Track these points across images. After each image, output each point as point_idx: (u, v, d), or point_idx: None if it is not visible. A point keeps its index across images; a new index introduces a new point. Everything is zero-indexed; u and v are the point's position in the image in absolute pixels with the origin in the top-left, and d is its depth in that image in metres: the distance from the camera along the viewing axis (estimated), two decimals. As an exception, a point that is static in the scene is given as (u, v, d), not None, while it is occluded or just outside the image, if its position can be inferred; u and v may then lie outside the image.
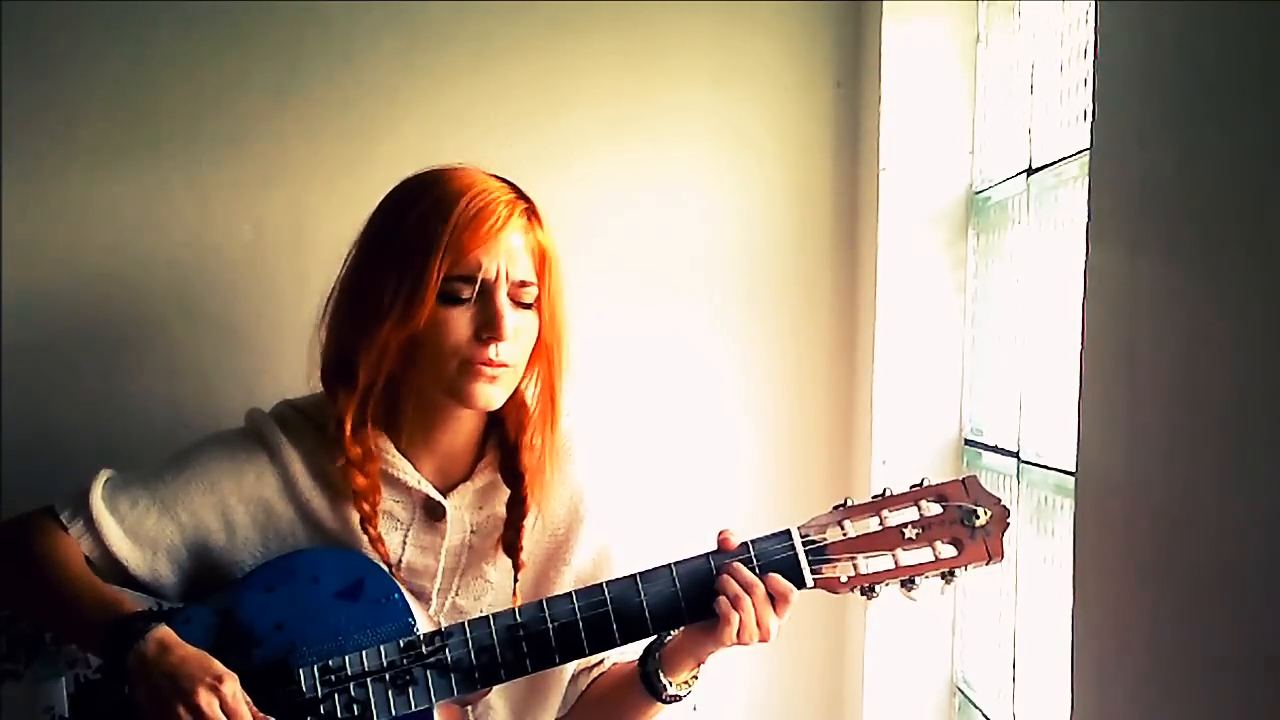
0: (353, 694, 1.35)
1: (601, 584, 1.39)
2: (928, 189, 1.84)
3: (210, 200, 1.91)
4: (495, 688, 1.43)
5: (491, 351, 1.38)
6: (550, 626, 1.37)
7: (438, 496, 1.47)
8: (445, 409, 1.45)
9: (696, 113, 1.95)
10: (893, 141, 1.83)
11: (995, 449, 1.74)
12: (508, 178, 1.45)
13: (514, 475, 1.47)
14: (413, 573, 1.47)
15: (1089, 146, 1.22)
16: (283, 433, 1.48)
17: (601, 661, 1.55)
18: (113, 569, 1.43)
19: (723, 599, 1.36)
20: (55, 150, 1.88)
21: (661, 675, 1.44)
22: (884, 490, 1.42)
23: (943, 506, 1.39)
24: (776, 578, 1.37)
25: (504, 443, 1.49)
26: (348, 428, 1.42)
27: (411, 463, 1.47)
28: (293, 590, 1.38)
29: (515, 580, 1.47)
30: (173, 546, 1.44)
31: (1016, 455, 1.65)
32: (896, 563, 1.38)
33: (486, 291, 1.39)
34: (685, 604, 1.38)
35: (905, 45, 1.83)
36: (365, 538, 1.43)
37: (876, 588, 1.38)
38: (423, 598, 1.46)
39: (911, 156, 1.83)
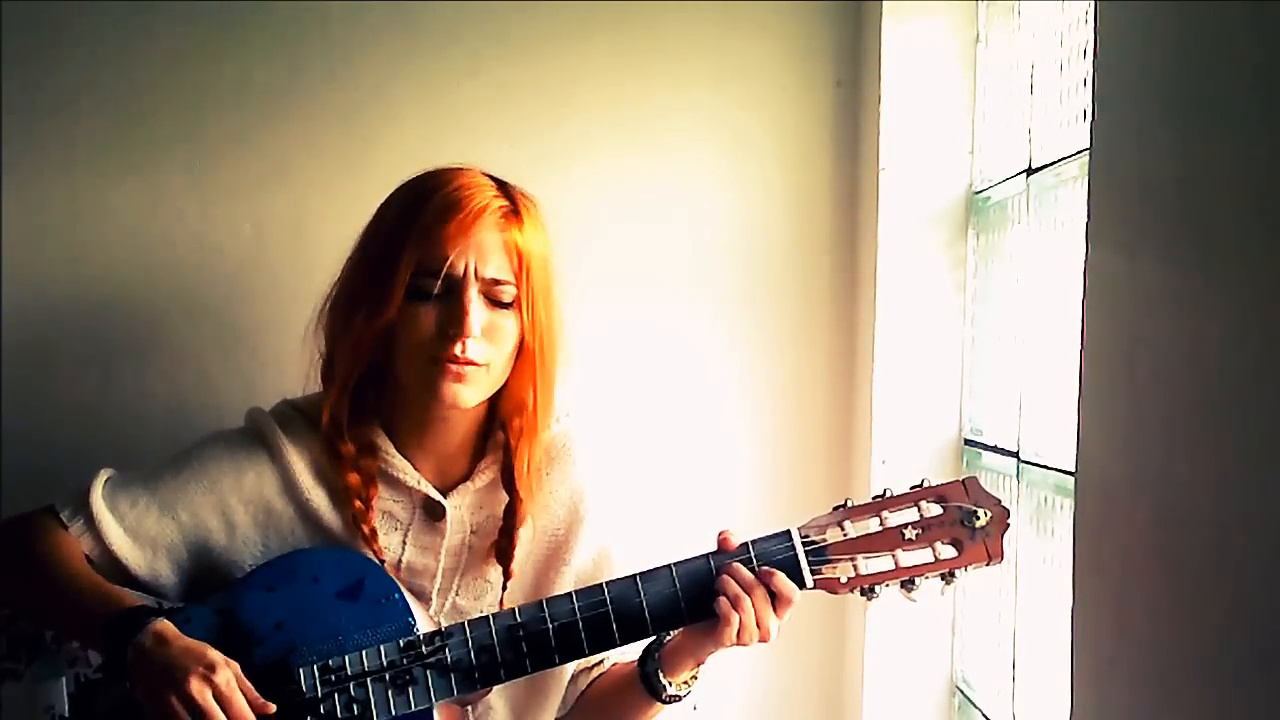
0: (353, 694, 1.35)
1: (601, 584, 1.39)
2: (927, 189, 1.84)
3: (210, 200, 1.91)
4: (495, 688, 1.43)
5: (458, 348, 1.37)
6: (550, 627, 1.37)
7: (437, 496, 1.47)
8: (435, 408, 1.44)
9: (696, 113, 1.95)
10: (892, 141, 1.83)
11: (995, 449, 1.74)
12: (505, 179, 1.45)
13: (510, 480, 1.47)
14: (412, 573, 1.47)
15: (1088, 146, 1.22)
16: (283, 432, 1.48)
17: (601, 662, 1.55)
18: (113, 568, 1.43)
19: (723, 599, 1.36)
20: (55, 150, 1.89)
21: (661, 675, 1.44)
22: (884, 491, 1.42)
23: (943, 507, 1.39)
24: (777, 578, 1.37)
25: (505, 446, 1.48)
26: (325, 421, 1.43)
27: (411, 462, 1.47)
28: (293, 590, 1.38)
29: (504, 589, 1.47)
30: (173, 546, 1.44)
31: (1016, 455, 1.65)
32: (896, 563, 1.38)
33: (454, 287, 1.38)
34: (685, 604, 1.38)
35: (905, 45, 1.83)
36: (359, 534, 1.43)
37: (876, 588, 1.38)
38: (422, 598, 1.47)
39: (911, 156, 1.83)
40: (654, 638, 1.45)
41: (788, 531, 1.40)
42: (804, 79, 1.95)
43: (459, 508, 1.48)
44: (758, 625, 1.36)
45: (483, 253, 1.38)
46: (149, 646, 1.30)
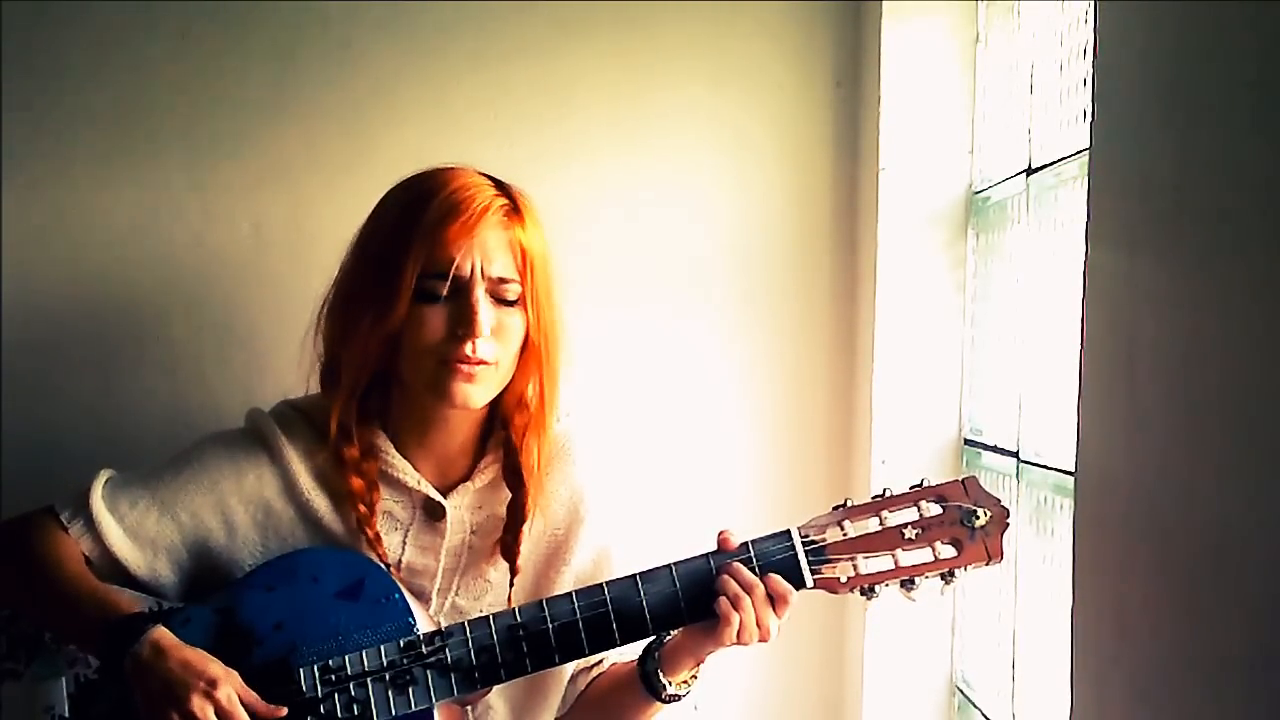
0: (353, 694, 1.35)
1: (601, 584, 1.39)
2: (927, 189, 1.84)
3: (210, 200, 1.91)
4: (495, 688, 1.43)
5: (468, 348, 1.37)
6: (550, 626, 1.37)
7: (437, 497, 1.47)
8: (438, 408, 1.45)
9: (696, 113, 1.95)
10: (892, 141, 1.83)
11: (995, 449, 1.74)
12: (501, 178, 1.45)
13: (514, 477, 1.47)
14: (412, 573, 1.47)
15: (1088, 146, 1.22)
16: (283, 433, 1.48)
17: (601, 661, 1.55)
18: (113, 569, 1.43)
19: (723, 600, 1.36)
20: (55, 151, 1.89)
21: (661, 675, 1.44)
22: (884, 491, 1.42)
23: (942, 507, 1.39)
24: (776, 578, 1.37)
25: (506, 444, 1.49)
26: (333, 428, 1.42)
27: (411, 463, 1.47)
28: (293, 590, 1.38)
29: (511, 585, 1.47)
30: (173, 546, 1.44)
31: (1016, 455, 1.65)
32: (896, 563, 1.38)
33: (462, 288, 1.38)
34: (685, 604, 1.38)
35: (905, 45, 1.83)
36: (363, 537, 1.43)
37: (876, 588, 1.38)
38: (422, 598, 1.47)
39: (911, 156, 1.84)
40: (654, 637, 1.45)
41: (787, 531, 1.40)
42: (804, 79, 1.96)
43: (459, 508, 1.48)
44: (758, 625, 1.36)
45: (487, 252, 1.39)
46: (147, 657, 1.30)
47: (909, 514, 1.40)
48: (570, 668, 1.53)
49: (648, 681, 1.45)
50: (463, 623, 1.38)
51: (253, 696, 1.31)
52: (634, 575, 1.39)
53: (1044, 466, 1.56)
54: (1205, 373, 0.98)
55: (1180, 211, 1.03)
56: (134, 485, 1.46)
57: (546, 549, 1.51)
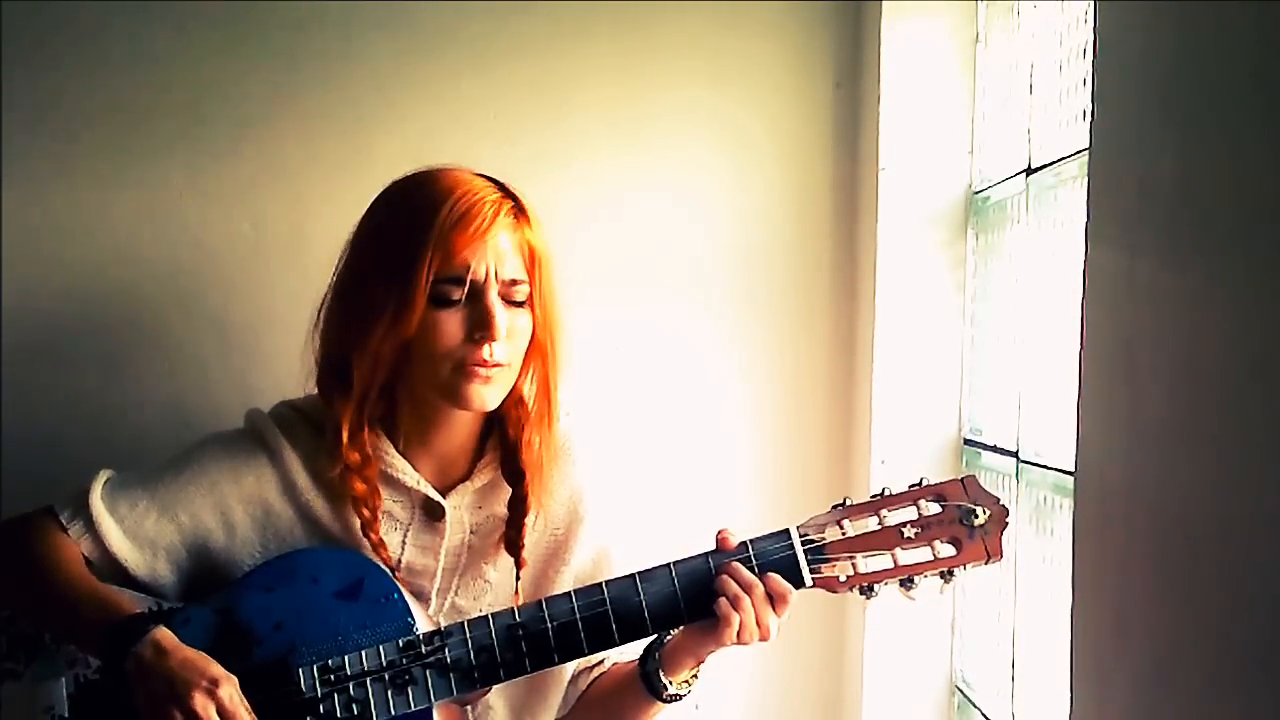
0: (352, 694, 1.35)
1: (601, 584, 1.39)
2: (927, 189, 1.84)
3: (210, 200, 1.91)
4: (495, 688, 1.43)
5: (485, 352, 1.38)
6: (549, 626, 1.37)
7: (437, 497, 1.47)
8: (442, 410, 1.45)
9: (696, 113, 1.95)
10: (892, 141, 1.83)
11: (994, 448, 1.74)
12: (498, 177, 1.45)
13: (515, 473, 1.47)
14: (412, 573, 1.47)
15: (1088, 146, 1.22)
16: (282, 433, 1.48)
17: (602, 661, 1.55)
18: (112, 569, 1.43)
19: (722, 600, 1.36)
20: (55, 150, 1.89)
21: (662, 675, 1.44)
22: (883, 490, 1.42)
23: (941, 506, 1.40)
24: (775, 578, 1.37)
25: (504, 441, 1.49)
26: (345, 434, 1.42)
27: (410, 463, 1.47)
28: (292, 590, 1.38)
29: (517, 579, 1.47)
30: (172, 547, 1.44)
31: (1015, 455, 1.65)
32: (895, 562, 1.38)
33: (477, 292, 1.38)
34: (684, 604, 1.38)
35: (905, 45, 1.83)
36: (366, 542, 1.43)
37: (875, 587, 1.38)
38: (422, 598, 1.47)
39: (911, 156, 1.84)
40: (654, 637, 1.45)
41: (787, 530, 1.40)
42: (804, 79, 1.96)
43: (458, 508, 1.48)
44: (758, 624, 1.36)
45: (500, 255, 1.39)
46: (148, 658, 1.30)
47: (908, 513, 1.40)
48: (570, 668, 1.53)
49: (648, 681, 1.45)
50: (462, 623, 1.38)
51: (247, 706, 1.31)
52: (633, 575, 1.39)
53: (1044, 466, 1.56)
54: (1205, 373, 0.98)
55: (1180, 211, 1.03)
56: (133, 486, 1.46)
57: (546, 549, 1.51)
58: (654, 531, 1.63)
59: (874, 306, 1.85)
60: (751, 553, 1.39)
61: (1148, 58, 1.10)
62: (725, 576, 1.37)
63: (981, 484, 1.41)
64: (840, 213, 1.96)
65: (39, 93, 1.87)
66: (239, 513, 1.45)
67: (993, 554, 1.38)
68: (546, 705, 1.54)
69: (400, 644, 1.36)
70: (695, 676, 1.46)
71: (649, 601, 1.37)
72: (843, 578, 1.38)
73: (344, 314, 1.43)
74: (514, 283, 1.40)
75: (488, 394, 1.40)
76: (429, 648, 1.36)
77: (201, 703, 1.28)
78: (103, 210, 1.89)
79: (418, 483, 1.47)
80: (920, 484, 1.41)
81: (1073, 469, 1.26)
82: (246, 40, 1.90)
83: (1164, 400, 1.05)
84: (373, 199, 1.46)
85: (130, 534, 1.43)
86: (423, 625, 1.39)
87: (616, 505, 1.55)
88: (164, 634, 1.32)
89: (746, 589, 1.36)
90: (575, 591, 1.39)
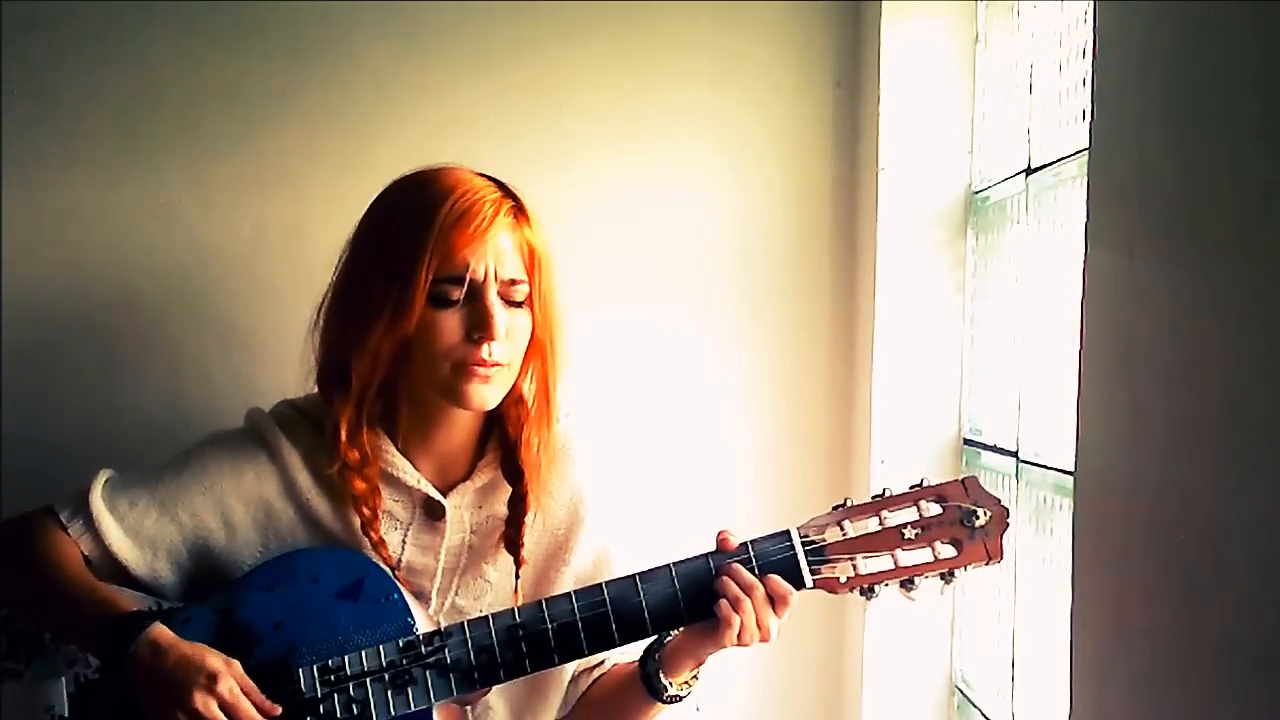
0: (352, 694, 1.35)
1: (601, 584, 1.39)
2: (927, 189, 1.84)
3: (210, 200, 1.91)
4: (495, 688, 1.43)
5: (484, 351, 1.38)
6: (549, 627, 1.37)
7: (437, 496, 1.47)
8: (442, 410, 1.45)
9: (696, 113, 1.95)
10: (892, 141, 1.83)
11: (994, 449, 1.74)
12: (497, 177, 1.45)
13: (514, 472, 1.47)
14: (412, 572, 1.47)
15: (1088, 146, 1.22)
16: (282, 433, 1.48)
17: (602, 663, 1.55)
18: (112, 569, 1.43)
19: (723, 602, 1.36)
20: (55, 150, 1.88)
21: (662, 676, 1.44)
22: (883, 490, 1.42)
23: (942, 507, 1.39)
24: (776, 579, 1.37)
25: (504, 440, 1.49)
26: (343, 433, 1.42)
27: (411, 462, 1.47)
28: (292, 590, 1.38)
29: (517, 578, 1.47)
30: (172, 546, 1.44)
31: (1015, 455, 1.65)
32: (896, 563, 1.38)
33: (476, 292, 1.38)
34: (684, 604, 1.38)
35: (904, 45, 1.83)
36: (367, 541, 1.43)
37: (876, 588, 1.38)
38: (422, 597, 1.47)
39: (910, 156, 1.84)
40: (654, 638, 1.45)
41: (787, 531, 1.40)
42: (804, 79, 1.96)
43: (459, 507, 1.48)
44: (758, 626, 1.36)
45: (499, 255, 1.39)
46: (146, 658, 1.30)
47: (908, 514, 1.40)
48: (571, 668, 1.53)
49: (649, 683, 1.45)
50: (462, 623, 1.38)
51: (251, 687, 1.31)
52: (633, 575, 1.39)
53: (1043, 466, 1.56)
54: (1204, 372, 0.98)
55: (1179, 211, 1.03)
56: (134, 485, 1.46)
57: (547, 549, 1.51)
58: (654, 531, 1.63)
59: (874, 306, 1.85)
60: (752, 554, 1.39)
61: (1147, 58, 1.10)
62: (725, 578, 1.37)
63: (982, 485, 1.41)
64: (840, 213, 1.96)
65: (39, 92, 1.87)
66: (239, 512, 1.45)
67: (993, 555, 1.38)
68: (546, 706, 1.54)
69: (400, 644, 1.36)
70: (695, 677, 1.46)
71: (649, 602, 1.37)
72: (843, 579, 1.38)
73: (343, 313, 1.43)
74: (513, 282, 1.40)
75: (487, 393, 1.41)
76: (429, 648, 1.36)
77: (202, 701, 1.28)
78: (103, 210, 1.89)
79: (418, 482, 1.47)
80: (921, 485, 1.41)
81: (1073, 469, 1.26)
82: (246, 40, 1.90)
83: (1164, 400, 1.05)
84: (373, 199, 1.46)
85: (130, 533, 1.43)
86: (423, 625, 1.39)
87: (616, 505, 1.55)
88: (160, 632, 1.32)
89: (747, 590, 1.36)
90: (575, 592, 1.39)
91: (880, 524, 1.39)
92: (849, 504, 1.41)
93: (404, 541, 1.47)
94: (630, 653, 1.49)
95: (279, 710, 1.32)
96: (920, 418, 1.85)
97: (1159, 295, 1.06)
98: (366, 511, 1.43)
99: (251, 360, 1.91)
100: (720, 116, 1.95)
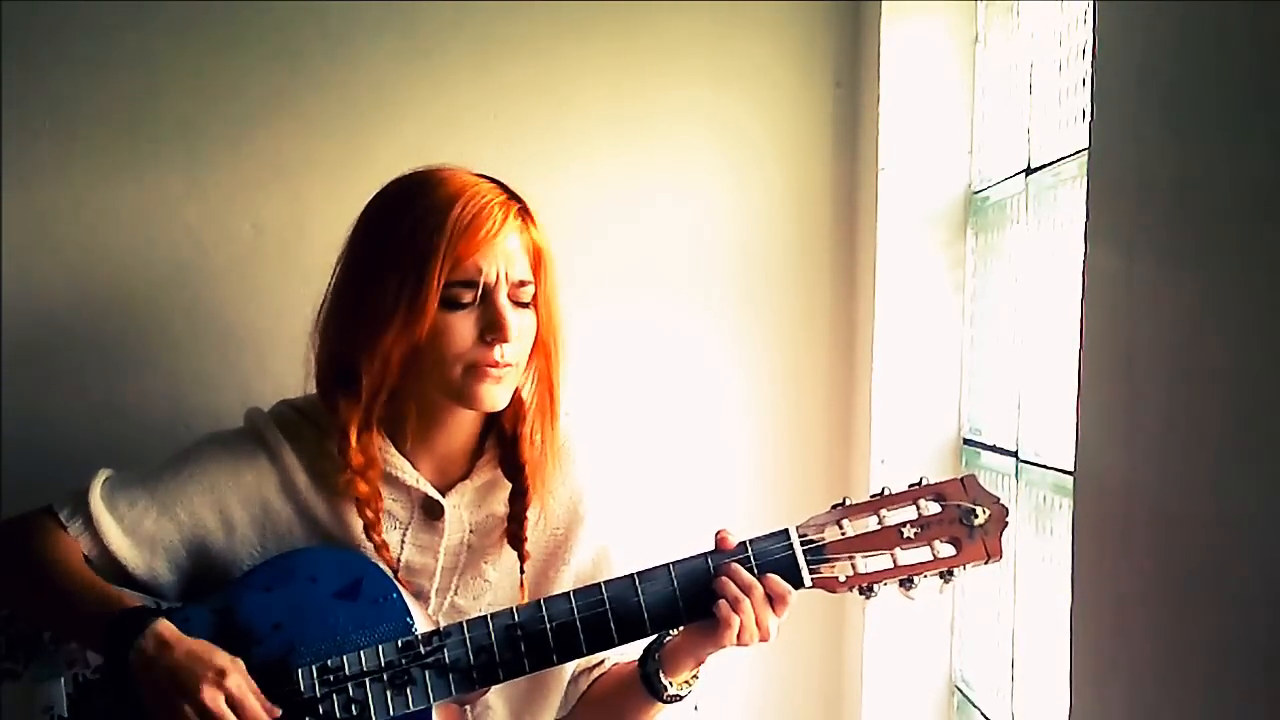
0: (351, 694, 1.35)
1: (600, 584, 1.39)
2: (926, 189, 1.84)
3: (210, 200, 1.91)
4: (494, 688, 1.43)
5: (497, 353, 1.39)
6: (548, 626, 1.37)
7: (436, 495, 1.47)
8: (447, 411, 1.45)
9: (696, 113, 1.95)
10: (892, 141, 1.83)
11: (994, 448, 1.74)
12: (497, 177, 1.45)
13: (514, 468, 1.47)
14: (411, 572, 1.48)
15: (1087, 146, 1.22)
16: (282, 433, 1.48)
17: (602, 662, 1.55)
18: (111, 568, 1.43)
19: (722, 603, 1.36)
20: (55, 151, 1.89)
21: (662, 675, 1.44)
22: (882, 489, 1.42)
23: (941, 506, 1.39)
24: (774, 578, 1.37)
25: (502, 438, 1.49)
26: (352, 437, 1.42)
27: (411, 462, 1.47)
28: (291, 590, 1.38)
29: (521, 572, 1.47)
30: (171, 546, 1.44)
31: (1015, 454, 1.65)
32: (895, 562, 1.38)
33: (488, 294, 1.39)
34: (683, 604, 1.38)
35: (904, 45, 1.83)
36: (369, 543, 1.43)
37: (875, 587, 1.38)
38: (421, 597, 1.47)
39: (910, 156, 1.84)
40: (654, 637, 1.45)
41: (786, 530, 1.40)
42: (804, 79, 1.96)
43: (458, 506, 1.49)
44: (757, 626, 1.36)
45: (509, 258, 1.40)
46: (152, 650, 1.30)
47: (908, 513, 1.40)
48: (570, 668, 1.53)
49: (648, 682, 1.45)
50: (461, 623, 1.38)
51: (254, 687, 1.32)
52: (632, 575, 1.39)
53: (1043, 466, 1.56)
54: (1204, 372, 0.98)
55: (1179, 211, 1.03)
56: (133, 485, 1.46)
57: (546, 548, 1.51)
58: (654, 531, 1.63)
59: (874, 306, 1.85)
60: (751, 553, 1.39)
61: (1147, 58, 1.10)
62: (724, 579, 1.37)
63: (981, 483, 1.41)
64: (840, 212, 1.96)
65: (39, 93, 1.87)
66: (238, 512, 1.45)
67: (992, 554, 1.38)
68: (546, 705, 1.54)
69: (399, 644, 1.36)
70: (695, 677, 1.46)
71: (648, 602, 1.37)
72: (842, 578, 1.38)
73: (350, 317, 1.42)
74: (522, 284, 1.41)
75: (498, 394, 1.41)
76: (428, 648, 1.36)
77: (210, 694, 1.28)
78: (103, 211, 1.89)
79: (417, 481, 1.47)
80: (920, 484, 1.41)
81: (1072, 469, 1.26)
82: (246, 40, 1.90)
83: (1163, 400, 1.05)
84: (370, 200, 1.46)
85: (129, 532, 1.43)
86: (422, 625, 1.39)
87: (616, 505, 1.55)
88: (165, 625, 1.32)
89: (746, 590, 1.36)
90: (574, 592, 1.39)
91: (879, 523, 1.39)
92: (848, 503, 1.41)
93: (403, 541, 1.48)
94: (630, 652, 1.49)
95: (279, 712, 1.32)
96: (920, 417, 1.85)
97: (1159, 295, 1.06)
98: (370, 514, 1.43)
99: (251, 360, 1.91)
100: (720, 116, 1.95)
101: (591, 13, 1.93)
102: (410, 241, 1.38)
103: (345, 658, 1.36)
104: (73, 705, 1.39)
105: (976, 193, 1.83)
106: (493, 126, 1.92)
